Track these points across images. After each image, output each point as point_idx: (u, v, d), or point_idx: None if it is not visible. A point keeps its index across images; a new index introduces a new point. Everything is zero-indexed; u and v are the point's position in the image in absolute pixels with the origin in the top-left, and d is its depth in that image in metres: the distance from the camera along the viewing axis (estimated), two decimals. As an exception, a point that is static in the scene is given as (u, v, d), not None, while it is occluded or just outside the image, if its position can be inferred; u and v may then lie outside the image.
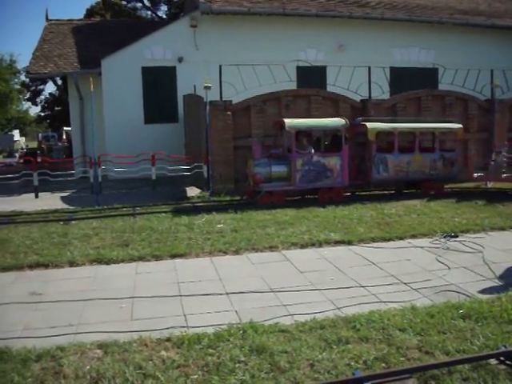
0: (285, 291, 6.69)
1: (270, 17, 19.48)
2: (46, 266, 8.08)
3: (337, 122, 14.01)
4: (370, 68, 16.66)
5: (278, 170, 13.32)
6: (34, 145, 44.97)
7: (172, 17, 36.82)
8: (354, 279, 7.17)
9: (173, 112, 19.31)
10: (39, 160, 20.91)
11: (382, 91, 17.55)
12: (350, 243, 9.09)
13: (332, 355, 4.80)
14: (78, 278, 7.48)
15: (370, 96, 16.66)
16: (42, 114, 59.04)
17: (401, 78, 20.39)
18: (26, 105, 69.91)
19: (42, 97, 58.29)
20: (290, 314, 5.88)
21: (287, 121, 13.44)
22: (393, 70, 20.32)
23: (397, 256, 8.36)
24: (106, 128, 18.53)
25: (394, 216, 11.32)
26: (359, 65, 17.51)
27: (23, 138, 50.55)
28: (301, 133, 13.51)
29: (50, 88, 76.78)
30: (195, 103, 15.81)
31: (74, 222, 11.27)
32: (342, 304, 6.18)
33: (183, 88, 18.34)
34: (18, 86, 65.45)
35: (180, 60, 19.29)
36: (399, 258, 8.22)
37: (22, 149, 38.12)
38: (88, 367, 4.68)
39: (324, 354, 4.84)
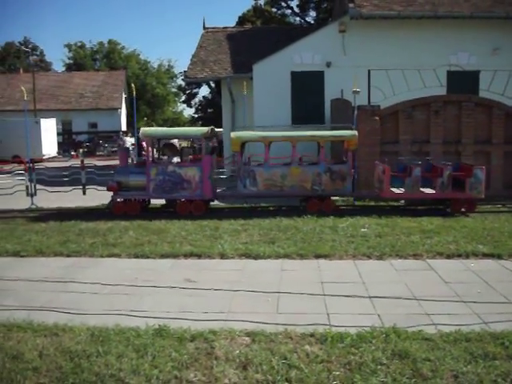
0: (428, 300, 6.56)
1: (420, 20, 18.93)
2: (199, 256, 8.71)
3: (196, 131, 13.52)
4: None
5: (137, 178, 13.00)
6: (185, 144, 47.96)
7: (320, 22, 37.19)
8: (503, 295, 6.83)
9: (320, 115, 19.52)
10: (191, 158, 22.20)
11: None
12: (499, 257, 8.63)
13: (478, 369, 4.66)
14: (227, 270, 7.98)
15: (530, 102, 15.53)
16: (196, 116, 62.72)
17: None
18: (181, 107, 74.83)
19: (196, 99, 62.05)
20: (434, 324, 5.78)
21: (142, 129, 13.26)
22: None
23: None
24: (256, 129, 19.27)
25: None
26: (516, 69, 16.40)
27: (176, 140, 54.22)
28: (162, 141, 13.22)
29: (203, 91, 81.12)
30: (343, 107, 15.90)
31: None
32: (489, 319, 5.93)
33: (330, 92, 18.52)
34: (174, 90, 70.33)
35: (328, 65, 19.46)
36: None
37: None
38: (237, 352, 5.02)
39: (469, 366, 4.71)
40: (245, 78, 19.37)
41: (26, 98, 15.63)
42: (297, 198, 13.68)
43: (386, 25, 18.97)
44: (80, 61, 72.00)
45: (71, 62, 73.42)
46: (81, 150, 36.98)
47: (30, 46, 73.93)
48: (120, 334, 5.37)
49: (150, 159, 13.02)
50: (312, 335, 5.39)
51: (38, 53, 76.85)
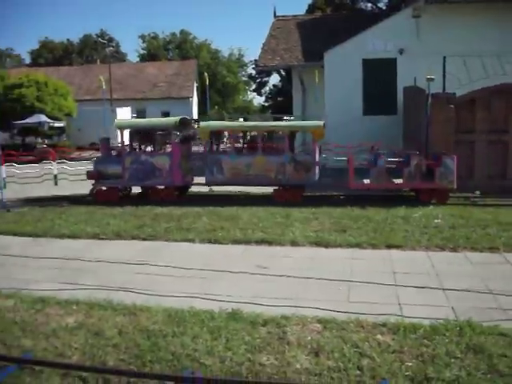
0: (505, 295, 6.34)
1: (499, 3, 18.04)
2: (270, 243, 8.81)
3: (167, 121, 14.08)
4: None
5: (114, 168, 13.64)
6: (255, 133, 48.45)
7: (393, 8, 36.22)
8: None
9: (391, 104, 19.12)
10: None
11: None
12: None
13: (559, 367, 4.49)
14: (298, 257, 8.04)
15: None
16: (266, 104, 62.91)
17: None
18: (251, 95, 75.23)
19: (267, 88, 62.17)
20: (510, 319, 5.59)
21: (116, 120, 14.00)
22: None
23: None
24: (325, 118, 19.14)
25: None
26: None
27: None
28: (136, 131, 13.80)
29: (273, 80, 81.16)
30: (416, 95, 15.48)
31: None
32: None
33: (403, 80, 18.05)
34: (244, 78, 70.81)
35: (401, 52, 18.99)
36: None
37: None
38: (309, 338, 5.07)
39: (549, 365, 4.55)
40: (315, 66, 19.25)
41: (104, 87, 16.22)
42: (262, 186, 13.75)
43: (463, 9, 18.25)
44: (153, 51, 73.78)
45: (145, 52, 75.38)
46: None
47: (106, 38, 76.39)
48: (195, 316, 5.55)
49: (126, 149, 13.80)
50: (384, 325, 5.35)
51: (113, 44, 79.19)
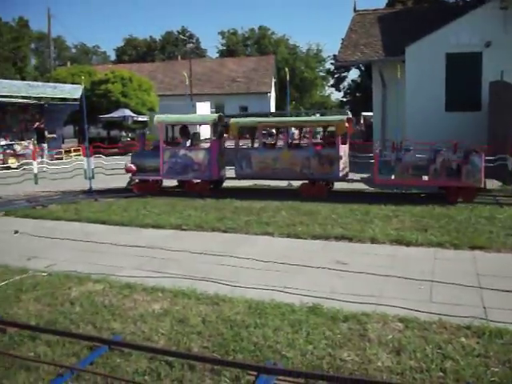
0: None
1: None
2: (349, 239, 8.76)
3: (206, 117, 14.87)
4: None
5: (151, 162, 14.11)
6: (331, 128, 48.10)
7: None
8: None
9: (476, 100, 18.39)
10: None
11: None
12: None
13: None
14: (378, 255, 7.94)
15: None
16: (344, 100, 62.30)
17: None
18: (329, 90, 74.70)
19: (345, 83, 61.55)
20: None
21: (156, 116, 14.41)
22: None
23: None
24: (407, 114, 18.71)
25: None
26: None
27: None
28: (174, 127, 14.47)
29: (352, 75, 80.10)
30: (503, 91, 14.83)
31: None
32: None
33: (489, 75, 17.33)
34: (322, 74, 70.38)
35: (487, 45, 18.20)
36: None
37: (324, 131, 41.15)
38: (390, 336, 5.01)
39: None
40: (396, 61, 18.79)
41: (187, 82, 16.69)
42: (289, 180, 14.06)
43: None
44: (232, 47, 74.85)
45: (224, 48, 76.55)
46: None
47: (187, 35, 78.34)
48: (276, 309, 5.62)
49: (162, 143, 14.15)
50: (468, 328, 5.20)
51: (194, 41, 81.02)
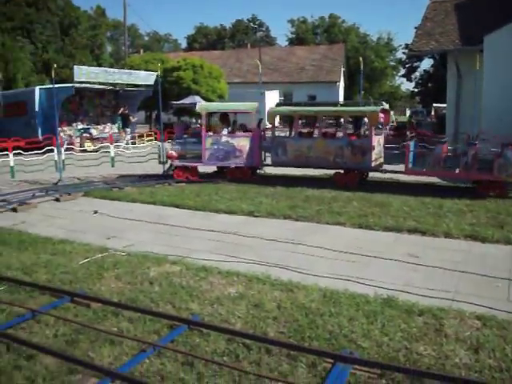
0: None
1: None
2: (423, 232, 8.59)
3: (247, 105, 14.65)
4: None
5: (193, 148, 14.43)
6: (401, 119, 46.98)
7: None
8: None
9: (559, 92, 17.50)
10: (408, 133, 21.71)
11: None
12: None
13: None
14: (452, 250, 7.75)
15: None
16: (415, 90, 60.69)
17: None
18: (399, 81, 72.95)
19: (417, 73, 59.90)
20: None
21: (199, 104, 14.82)
22: None
23: None
24: (484, 106, 18.03)
25: None
26: None
27: (391, 112, 53.05)
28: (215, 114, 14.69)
29: (424, 65, 77.79)
30: None
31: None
32: None
33: None
34: (392, 63, 68.77)
35: None
36: None
37: (393, 122, 40.23)
38: (467, 333, 4.91)
39: None
40: (474, 51, 18.08)
41: (260, 70, 16.84)
42: (321, 168, 14.12)
43: None
44: (302, 35, 74.30)
45: (293, 36, 76.16)
46: (299, 122, 38.50)
47: (256, 23, 78.38)
48: (350, 299, 5.63)
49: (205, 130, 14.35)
50: (551, 330, 5.03)
51: (263, 29, 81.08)
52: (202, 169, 15.13)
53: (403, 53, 61.93)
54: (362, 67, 15.29)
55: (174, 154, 14.55)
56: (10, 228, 9.33)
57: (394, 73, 70.31)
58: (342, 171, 13.52)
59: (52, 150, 16.80)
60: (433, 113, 39.74)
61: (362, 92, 56.41)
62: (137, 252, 7.52)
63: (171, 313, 5.33)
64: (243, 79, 49.46)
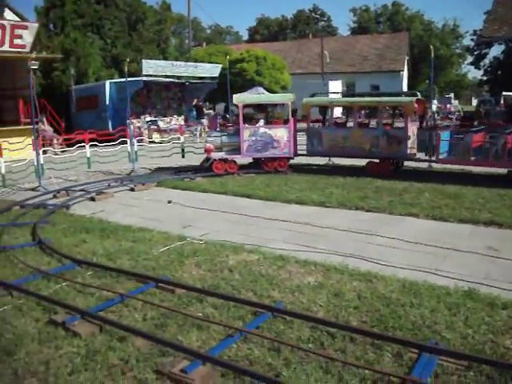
0: None
1: None
2: (499, 225, 8.35)
3: (283, 96, 15.03)
4: None
5: (230, 140, 14.45)
6: (467, 108, 45.52)
7: None
8: None
9: None
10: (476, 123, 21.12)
11: None
12: None
13: None
14: (534, 243, 7.52)
15: None
16: (484, 79, 58.55)
17: None
18: (465, 69, 70.50)
19: (486, 61, 57.72)
20: None
21: (235, 96, 14.60)
22: None
23: None
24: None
25: None
26: None
27: (457, 101, 51.31)
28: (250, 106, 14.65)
29: (494, 52, 74.66)
30: None
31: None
32: None
33: None
34: (458, 51, 66.56)
35: None
36: None
37: (459, 112, 38.93)
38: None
39: None
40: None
41: (328, 60, 16.90)
42: (356, 158, 14.09)
43: None
44: (364, 24, 73.11)
45: (355, 25, 75.06)
46: (362, 112, 38.19)
47: (318, 13, 77.69)
48: (430, 290, 5.58)
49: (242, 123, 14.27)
50: None
51: (325, 19, 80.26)
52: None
53: (471, 39, 59.95)
54: (432, 55, 14.84)
55: (212, 147, 14.46)
56: (90, 216, 9.77)
57: (460, 61, 68.02)
58: (375, 160, 13.66)
59: (124, 142, 17.35)
60: (502, 102, 38.24)
61: (427, 81, 55.00)
62: (213, 240, 7.71)
63: (253, 300, 5.45)
64: (304, 70, 49.24)
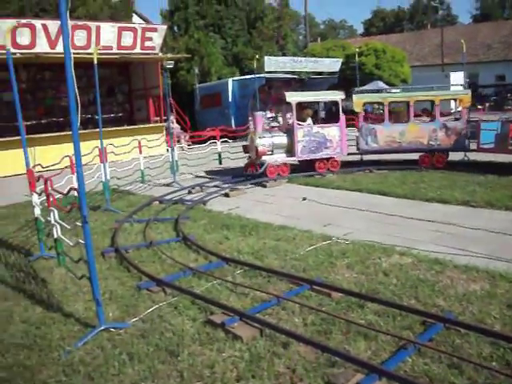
0: None
1: None
2: None
3: (334, 94, 14.33)
4: None
5: (283, 142, 13.68)
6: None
7: None
8: None
9: None
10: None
11: None
12: None
13: None
14: None
15: None
16: None
17: None
18: None
19: None
20: None
21: (287, 93, 13.68)
22: None
23: None
24: None
25: None
26: None
27: None
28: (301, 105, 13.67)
29: None
30: None
31: None
32: None
33: None
34: None
35: None
36: None
37: None
38: None
39: None
40: None
41: (464, 50, 16.42)
42: (413, 153, 13.86)
43: None
44: (487, 11, 68.83)
45: (477, 13, 70.93)
46: (487, 104, 36.02)
47: (437, 1, 74.15)
48: None
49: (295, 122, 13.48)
50: None
51: (444, 7, 76.54)
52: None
53: None
54: None
55: (266, 150, 13.40)
56: (227, 213, 9.86)
57: None
58: (426, 153, 13.61)
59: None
60: None
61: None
62: (359, 240, 7.41)
63: (416, 308, 5.06)
64: (423, 62, 47.27)
